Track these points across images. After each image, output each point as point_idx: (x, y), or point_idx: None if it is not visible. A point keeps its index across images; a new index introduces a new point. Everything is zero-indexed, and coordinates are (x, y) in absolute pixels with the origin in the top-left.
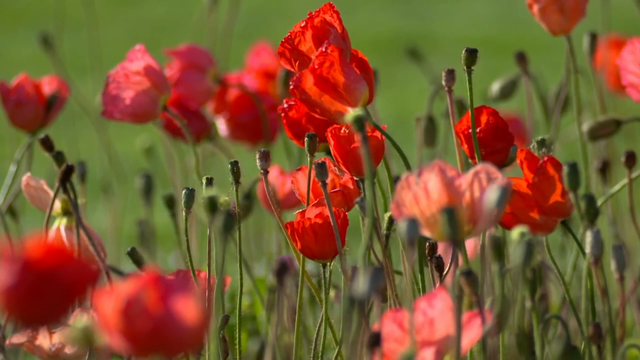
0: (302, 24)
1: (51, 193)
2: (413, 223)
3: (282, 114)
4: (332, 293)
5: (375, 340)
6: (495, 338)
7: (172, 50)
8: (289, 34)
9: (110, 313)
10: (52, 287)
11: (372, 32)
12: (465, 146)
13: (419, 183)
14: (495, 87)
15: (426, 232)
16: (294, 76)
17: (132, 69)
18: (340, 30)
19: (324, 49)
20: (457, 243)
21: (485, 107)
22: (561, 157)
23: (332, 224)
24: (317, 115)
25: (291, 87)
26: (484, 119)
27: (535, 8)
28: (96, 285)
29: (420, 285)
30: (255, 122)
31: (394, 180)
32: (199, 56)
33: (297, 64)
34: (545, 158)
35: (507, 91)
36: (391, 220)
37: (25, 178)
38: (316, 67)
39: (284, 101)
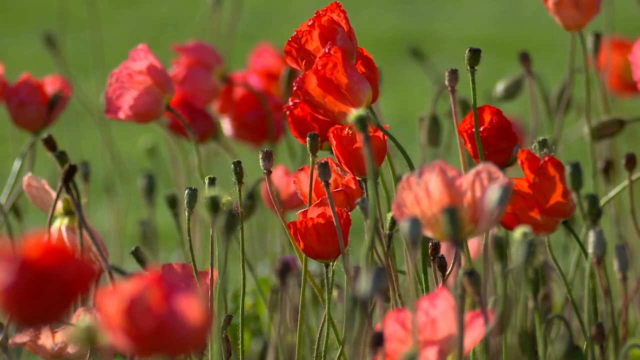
0: (309, 23)
1: (53, 193)
2: (415, 223)
3: (288, 112)
4: (334, 293)
5: (378, 340)
6: (497, 338)
7: (180, 46)
8: (295, 32)
9: (114, 312)
10: (50, 286)
11: (375, 32)
12: (469, 146)
13: (420, 183)
14: (500, 87)
15: (428, 233)
16: (298, 77)
17: (136, 69)
18: (347, 29)
19: (327, 50)
20: (458, 243)
21: (489, 106)
22: (564, 158)
23: (334, 223)
24: (320, 116)
25: (294, 88)
26: (487, 118)
27: (550, 2)
28: (95, 284)
29: (423, 285)
30: (260, 122)
31: (398, 179)
32: (206, 53)
33: (303, 62)
34: (546, 158)
35: (512, 91)
36: (394, 220)
37: (26, 178)
38: (319, 68)
39: (290, 99)
